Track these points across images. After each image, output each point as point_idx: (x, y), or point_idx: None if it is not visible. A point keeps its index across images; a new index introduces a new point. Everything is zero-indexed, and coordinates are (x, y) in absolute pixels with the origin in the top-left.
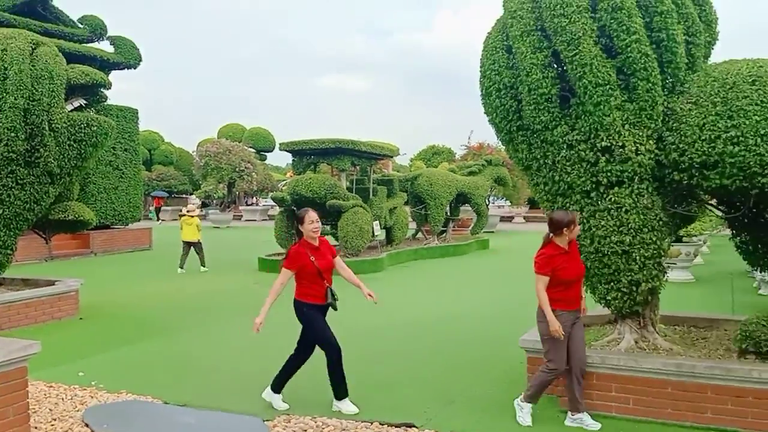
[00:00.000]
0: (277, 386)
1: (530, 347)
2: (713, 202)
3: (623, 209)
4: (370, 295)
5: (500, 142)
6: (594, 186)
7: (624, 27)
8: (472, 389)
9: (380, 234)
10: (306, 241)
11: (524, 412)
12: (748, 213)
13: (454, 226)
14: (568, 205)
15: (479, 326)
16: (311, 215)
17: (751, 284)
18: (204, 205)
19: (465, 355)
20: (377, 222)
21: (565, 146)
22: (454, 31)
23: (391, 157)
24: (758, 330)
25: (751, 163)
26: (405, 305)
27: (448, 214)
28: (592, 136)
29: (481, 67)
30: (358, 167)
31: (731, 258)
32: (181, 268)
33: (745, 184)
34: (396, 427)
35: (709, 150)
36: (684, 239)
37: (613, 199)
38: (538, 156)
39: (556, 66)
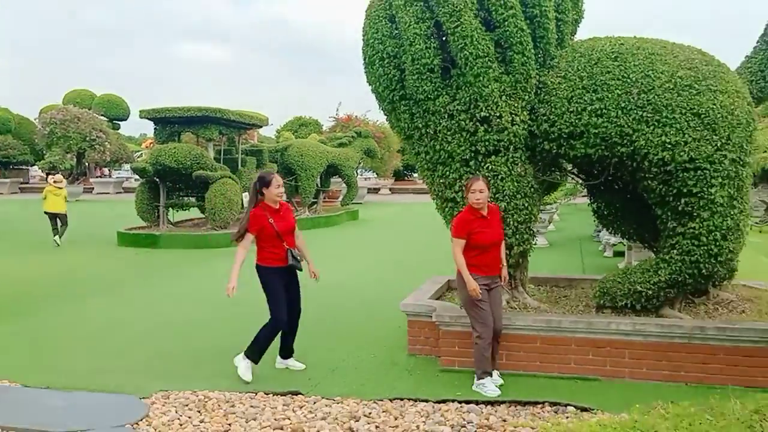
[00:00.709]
0: (256, 355)
1: (410, 311)
2: (575, 170)
3: (499, 177)
4: (314, 274)
5: (382, 111)
6: (473, 155)
7: (502, 1)
8: (355, 355)
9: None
10: (266, 204)
11: (487, 387)
12: (605, 181)
13: (324, 198)
14: (447, 173)
15: (356, 294)
16: (278, 179)
17: (597, 248)
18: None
19: (345, 323)
20: (246, 193)
21: (446, 116)
22: (319, 3)
23: (260, 126)
24: (614, 287)
25: (612, 133)
26: None
27: (319, 185)
28: (472, 106)
29: (363, 35)
30: (225, 137)
31: (579, 225)
32: (58, 239)
33: (606, 153)
34: (281, 395)
35: (576, 121)
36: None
37: (490, 167)
38: (420, 125)
39: (438, 37)
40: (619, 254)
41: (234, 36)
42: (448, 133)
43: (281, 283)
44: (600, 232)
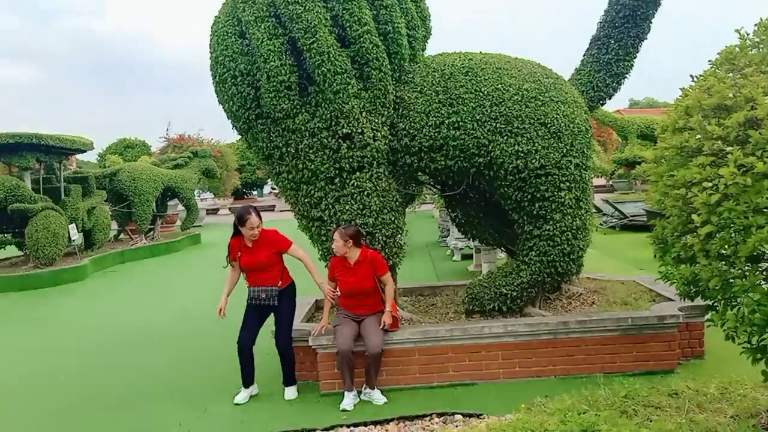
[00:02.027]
0: (288, 379)
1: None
2: (431, 182)
3: (365, 193)
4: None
5: (236, 131)
6: (337, 172)
7: (356, 18)
8: (228, 390)
9: (78, 238)
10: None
11: (375, 396)
12: (462, 191)
13: (162, 223)
14: (312, 192)
15: (215, 324)
16: (253, 221)
17: (445, 253)
18: None
19: (208, 357)
20: (74, 225)
21: (307, 134)
22: (128, 16)
23: (84, 151)
24: (481, 291)
25: (470, 145)
26: (126, 313)
27: (155, 210)
28: (333, 123)
29: (212, 52)
30: (43, 164)
31: (423, 232)
32: None
33: (465, 164)
34: None
35: (435, 134)
36: None
37: (355, 183)
38: (280, 144)
39: (292, 53)
40: (467, 257)
41: (43, 54)
42: (311, 151)
43: (252, 312)
44: (446, 237)
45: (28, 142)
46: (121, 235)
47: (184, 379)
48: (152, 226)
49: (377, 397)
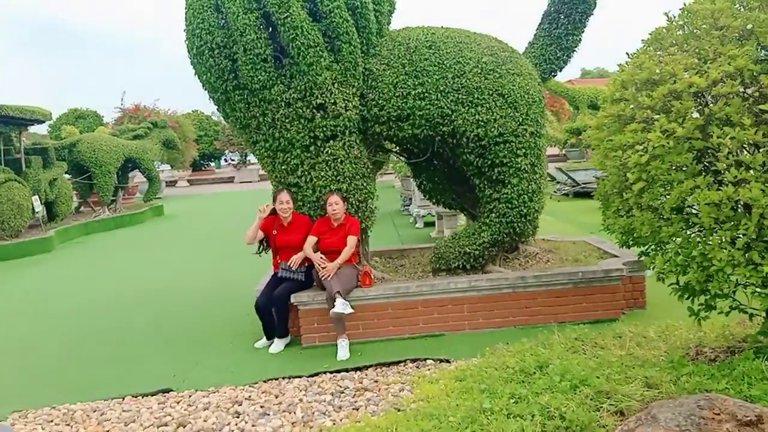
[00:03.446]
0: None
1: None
2: (397, 150)
3: (338, 160)
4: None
5: (213, 102)
6: (312, 140)
7: None
8: (214, 347)
9: (41, 210)
10: (279, 216)
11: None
12: (427, 158)
13: (123, 195)
14: (289, 159)
15: (194, 290)
16: (283, 196)
17: (408, 221)
18: None
19: (193, 319)
20: (36, 197)
21: (283, 104)
22: None
23: (43, 121)
24: (447, 251)
25: (435, 115)
26: (101, 281)
27: (116, 182)
28: (308, 94)
29: (188, 25)
30: (2, 135)
31: (387, 201)
32: None
33: (430, 133)
34: (152, 395)
35: (403, 105)
36: None
37: (329, 151)
38: (258, 114)
39: (267, 27)
40: (429, 224)
41: None
42: (287, 120)
43: (275, 282)
44: (408, 206)
45: None
46: (83, 207)
47: (170, 337)
48: (114, 198)
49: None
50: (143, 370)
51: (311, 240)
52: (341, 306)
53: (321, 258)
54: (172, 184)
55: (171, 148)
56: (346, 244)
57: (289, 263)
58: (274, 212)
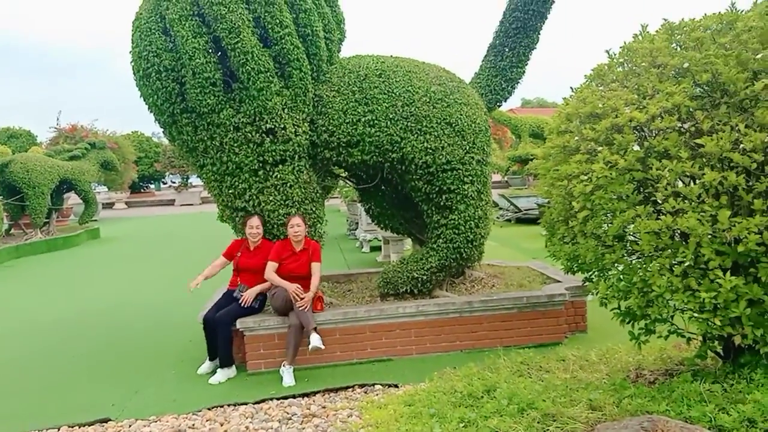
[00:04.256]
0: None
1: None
2: (346, 175)
3: (287, 185)
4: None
5: (159, 125)
6: (261, 165)
7: (277, 20)
8: (154, 374)
9: None
10: (246, 239)
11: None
12: (375, 184)
13: (58, 217)
14: (237, 183)
15: (134, 314)
16: (252, 221)
17: (354, 245)
18: None
19: (134, 344)
20: None
21: (232, 128)
22: None
23: None
24: (395, 276)
25: (384, 141)
26: (33, 306)
27: (51, 203)
28: (257, 119)
29: (134, 47)
30: None
31: (332, 226)
32: None
33: (380, 159)
34: (89, 425)
35: (353, 131)
36: None
37: (278, 176)
38: (205, 138)
39: (216, 51)
40: (375, 249)
41: None
42: (235, 144)
43: (228, 300)
44: (355, 230)
45: None
46: (13, 230)
47: (109, 364)
48: (47, 220)
49: (287, 379)
50: (80, 398)
51: (272, 266)
52: (318, 341)
53: (298, 288)
54: (109, 206)
55: (109, 170)
56: (308, 270)
57: (242, 302)
58: (242, 236)
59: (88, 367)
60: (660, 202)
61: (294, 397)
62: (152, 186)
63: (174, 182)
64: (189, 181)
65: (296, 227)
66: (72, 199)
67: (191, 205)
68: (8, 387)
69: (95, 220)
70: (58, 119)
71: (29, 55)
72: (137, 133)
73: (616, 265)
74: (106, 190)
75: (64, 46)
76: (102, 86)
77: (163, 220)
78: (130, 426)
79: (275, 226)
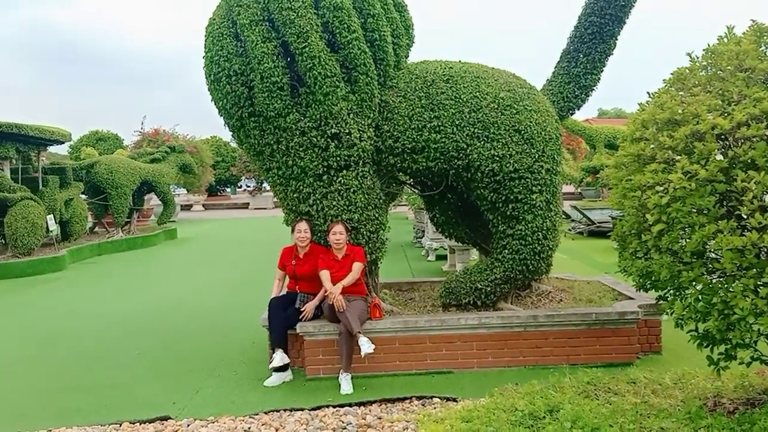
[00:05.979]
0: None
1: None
2: (411, 182)
3: (351, 190)
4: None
5: (228, 128)
6: (325, 169)
7: (345, 25)
8: (215, 374)
9: (55, 229)
10: (295, 245)
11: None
12: (440, 191)
13: (138, 217)
14: (301, 188)
15: (199, 314)
16: (301, 225)
17: (420, 253)
18: None
19: (197, 344)
20: (51, 216)
21: (297, 132)
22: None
23: (63, 142)
24: (458, 286)
25: (450, 148)
26: (110, 302)
27: (132, 204)
28: (323, 123)
29: (207, 52)
30: (21, 154)
31: (399, 233)
32: None
33: (445, 166)
34: (150, 422)
35: (418, 137)
36: None
37: (342, 181)
38: (272, 142)
39: (285, 56)
40: (441, 258)
41: None
42: (300, 149)
43: (280, 305)
44: (421, 238)
45: (8, 132)
46: (97, 228)
47: (173, 363)
48: (129, 220)
49: (345, 387)
50: (143, 396)
51: (326, 274)
52: (368, 345)
53: (328, 291)
54: (187, 208)
55: (187, 173)
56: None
57: (303, 317)
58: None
59: (154, 363)
60: (745, 216)
61: (350, 405)
62: (228, 189)
63: (249, 186)
64: (263, 185)
65: (338, 234)
66: (153, 201)
67: (264, 209)
68: (76, 382)
69: (173, 221)
70: (142, 123)
71: (122, 65)
72: (216, 137)
73: (693, 283)
74: (185, 192)
75: (151, 55)
76: (184, 93)
77: (236, 223)
78: (188, 425)
79: None
